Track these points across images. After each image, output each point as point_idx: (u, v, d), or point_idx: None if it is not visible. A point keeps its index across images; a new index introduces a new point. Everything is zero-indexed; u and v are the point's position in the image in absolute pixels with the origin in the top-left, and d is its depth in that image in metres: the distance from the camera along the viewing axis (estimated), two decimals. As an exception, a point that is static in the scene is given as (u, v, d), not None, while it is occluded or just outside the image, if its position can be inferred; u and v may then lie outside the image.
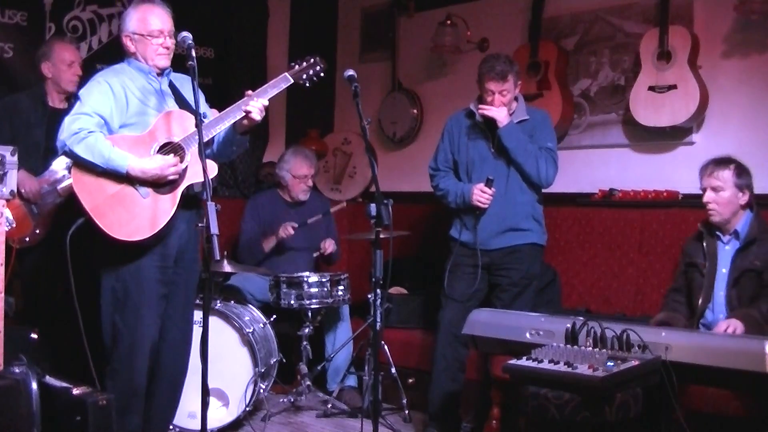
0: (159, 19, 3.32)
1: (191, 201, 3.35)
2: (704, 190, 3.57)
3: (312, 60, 3.43)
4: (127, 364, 3.30)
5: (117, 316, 3.31)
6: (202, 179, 3.10)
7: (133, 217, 3.21)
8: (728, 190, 3.51)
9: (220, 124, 3.29)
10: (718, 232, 3.59)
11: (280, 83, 3.39)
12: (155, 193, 3.24)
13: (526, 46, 4.92)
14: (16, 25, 4.74)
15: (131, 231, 3.20)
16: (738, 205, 3.53)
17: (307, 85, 3.44)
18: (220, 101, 3.65)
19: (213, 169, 3.28)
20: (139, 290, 3.28)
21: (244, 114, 3.29)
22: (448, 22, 5.22)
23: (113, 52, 4.95)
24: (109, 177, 3.20)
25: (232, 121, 3.30)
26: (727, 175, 3.51)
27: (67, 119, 3.22)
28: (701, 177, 3.59)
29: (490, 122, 3.95)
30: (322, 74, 3.45)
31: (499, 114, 3.91)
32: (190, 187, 3.29)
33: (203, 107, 3.47)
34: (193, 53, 3.11)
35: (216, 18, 5.56)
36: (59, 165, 4.01)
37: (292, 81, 3.41)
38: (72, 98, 4.18)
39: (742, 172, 3.54)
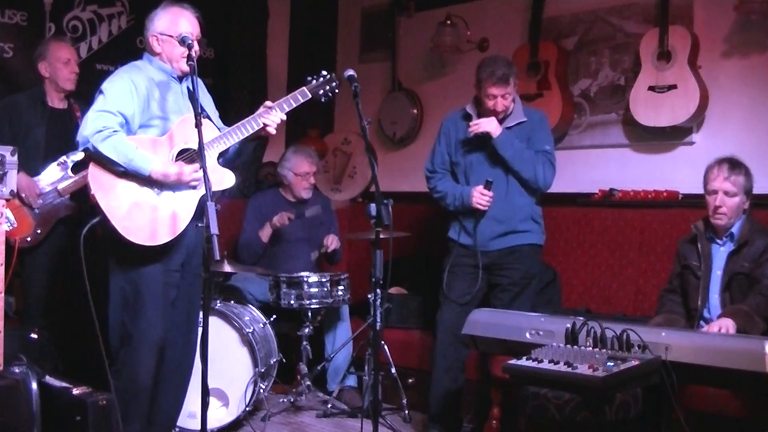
0: (189, 23, 3.33)
1: (202, 207, 3.35)
2: (714, 191, 3.47)
3: (328, 76, 3.46)
4: (132, 364, 3.30)
5: (125, 317, 3.30)
6: (216, 189, 3.16)
7: (150, 222, 3.21)
8: (740, 196, 3.45)
9: (238, 134, 3.32)
10: (712, 234, 3.55)
11: (297, 97, 3.41)
12: (172, 199, 3.25)
13: (526, 46, 4.91)
14: (16, 25, 4.74)
15: (147, 236, 3.19)
16: (742, 210, 3.49)
17: (322, 100, 3.47)
18: (220, 101, 3.66)
19: (231, 179, 3.32)
20: (148, 292, 3.28)
21: (261, 126, 3.33)
22: (448, 22, 5.22)
23: (113, 52, 5.00)
24: (127, 179, 3.20)
25: (251, 132, 3.33)
26: (741, 180, 3.44)
27: (90, 115, 3.19)
28: (712, 178, 3.48)
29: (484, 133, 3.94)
30: (336, 90, 3.48)
31: (490, 126, 3.89)
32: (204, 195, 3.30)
33: (215, 120, 3.49)
34: (193, 52, 3.13)
35: (216, 18, 5.57)
36: (54, 169, 4.03)
37: (310, 96, 3.43)
38: (71, 97, 4.19)
39: (749, 176, 3.48)
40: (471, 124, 3.94)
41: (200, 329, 3.08)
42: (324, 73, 3.48)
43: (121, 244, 3.19)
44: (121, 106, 3.20)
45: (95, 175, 3.20)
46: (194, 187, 3.27)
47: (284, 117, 3.37)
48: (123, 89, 3.24)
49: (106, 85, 3.26)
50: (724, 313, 3.36)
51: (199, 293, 3.49)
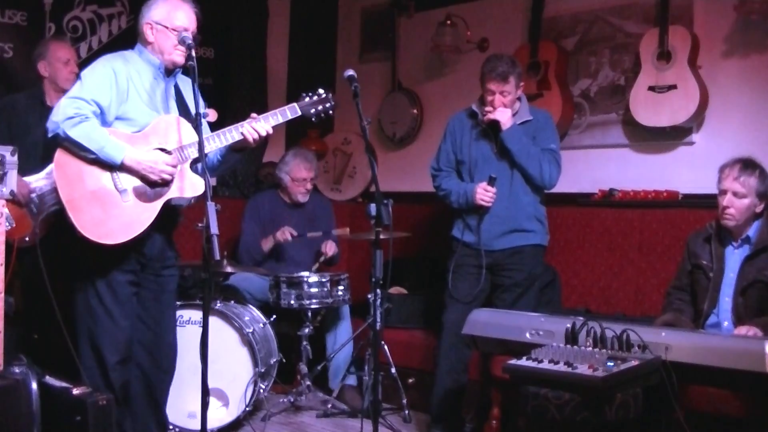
0: (186, 17, 3.25)
1: (171, 213, 3.28)
2: (723, 191, 3.40)
3: (324, 95, 3.36)
4: (99, 362, 3.24)
5: (87, 316, 3.25)
6: (186, 195, 3.11)
7: (109, 219, 3.10)
8: (750, 198, 3.37)
9: (216, 142, 3.24)
10: (727, 236, 3.47)
11: (286, 112, 3.33)
12: (137, 200, 3.15)
13: (526, 46, 4.92)
14: (16, 25, 4.74)
15: (103, 233, 3.10)
16: (754, 213, 3.40)
17: (313, 120, 3.38)
18: (220, 101, 3.66)
19: (201, 186, 3.19)
20: (110, 290, 3.22)
21: (241, 137, 3.24)
22: (448, 22, 5.22)
23: (113, 52, 4.99)
24: (93, 171, 3.11)
25: (230, 142, 3.25)
26: (752, 182, 3.36)
27: (63, 100, 3.12)
28: (723, 177, 3.42)
29: (494, 123, 3.95)
30: (331, 111, 3.40)
31: (503, 116, 3.91)
32: (171, 200, 3.22)
33: (201, 109, 3.44)
34: (193, 53, 3.10)
35: (216, 18, 5.56)
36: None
37: (300, 113, 3.35)
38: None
39: (765, 179, 3.39)
40: (486, 110, 3.94)
41: (200, 329, 3.08)
42: (320, 91, 3.38)
43: (77, 238, 3.10)
44: (97, 95, 3.11)
45: (60, 162, 3.11)
46: (164, 187, 3.16)
47: (270, 130, 3.28)
48: (102, 77, 3.15)
49: (86, 72, 3.20)
50: (754, 323, 3.24)
51: (170, 294, 3.44)
